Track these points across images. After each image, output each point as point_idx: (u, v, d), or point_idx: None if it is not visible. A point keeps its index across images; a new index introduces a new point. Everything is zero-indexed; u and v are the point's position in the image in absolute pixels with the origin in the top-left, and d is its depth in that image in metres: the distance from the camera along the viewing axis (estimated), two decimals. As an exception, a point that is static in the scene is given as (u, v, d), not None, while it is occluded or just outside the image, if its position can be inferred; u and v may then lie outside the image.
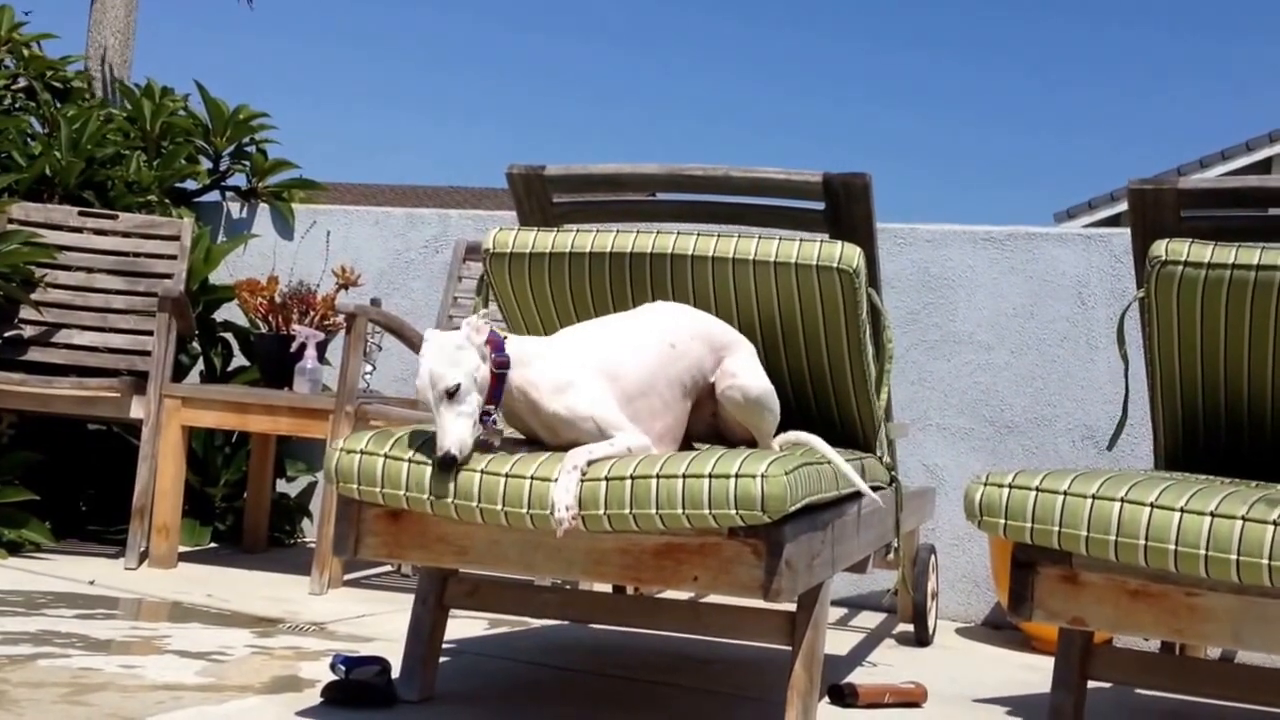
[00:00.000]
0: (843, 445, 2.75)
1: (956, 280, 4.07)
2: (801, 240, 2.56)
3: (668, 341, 2.42)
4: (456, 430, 2.18)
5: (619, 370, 2.35)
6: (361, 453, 2.28)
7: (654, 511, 2.12)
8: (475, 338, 2.22)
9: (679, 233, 2.64)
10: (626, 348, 2.38)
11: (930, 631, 3.51)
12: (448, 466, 2.18)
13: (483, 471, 2.20)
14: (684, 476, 2.12)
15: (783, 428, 2.62)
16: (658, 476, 2.13)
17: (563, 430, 2.30)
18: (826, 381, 2.69)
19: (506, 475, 2.19)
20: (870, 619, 3.84)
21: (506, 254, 2.70)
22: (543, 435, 2.34)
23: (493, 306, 2.86)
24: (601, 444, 2.25)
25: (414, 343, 4.08)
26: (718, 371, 2.48)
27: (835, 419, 2.76)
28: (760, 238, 2.59)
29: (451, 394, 2.17)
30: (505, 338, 2.29)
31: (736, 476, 2.10)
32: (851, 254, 2.53)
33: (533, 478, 2.18)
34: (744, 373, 2.47)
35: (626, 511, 2.13)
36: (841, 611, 3.94)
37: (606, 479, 2.15)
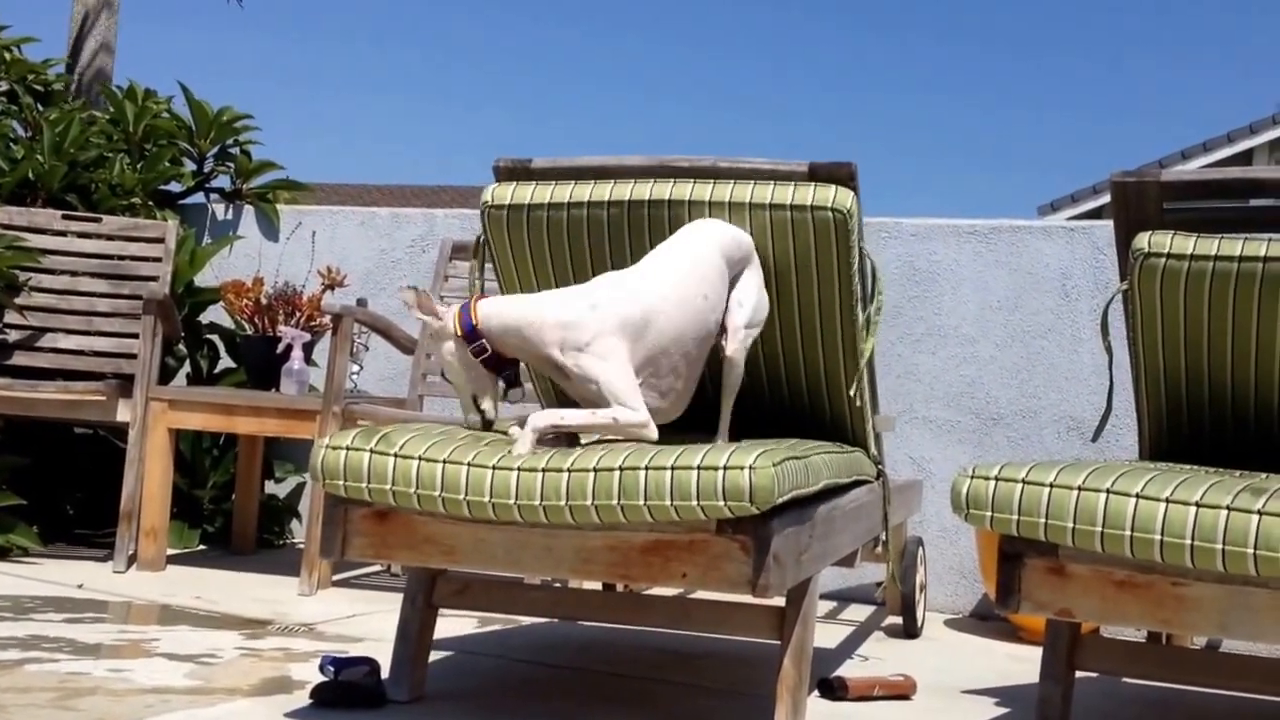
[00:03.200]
0: (830, 432, 2.74)
1: (941, 274, 4.08)
2: (796, 184, 2.57)
3: (701, 294, 2.42)
4: (467, 413, 2.41)
5: (646, 326, 2.35)
6: (347, 449, 2.28)
7: (642, 503, 2.13)
8: (449, 345, 2.35)
9: (675, 180, 2.64)
10: (659, 301, 2.37)
11: (919, 624, 3.52)
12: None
13: (470, 464, 2.21)
14: (672, 468, 2.13)
15: (768, 417, 2.62)
16: (646, 468, 2.13)
17: (571, 386, 2.35)
18: (816, 332, 2.64)
19: (493, 467, 2.20)
20: (859, 612, 3.85)
21: (505, 206, 2.69)
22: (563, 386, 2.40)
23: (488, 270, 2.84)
24: (582, 411, 2.30)
25: (401, 342, 4.08)
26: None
27: (822, 379, 2.71)
28: (755, 182, 2.60)
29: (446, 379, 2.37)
30: (476, 319, 2.33)
31: (725, 468, 2.11)
32: (844, 197, 2.54)
33: (520, 469, 2.18)
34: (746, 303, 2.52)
35: (614, 503, 2.14)
36: (830, 605, 3.95)
37: (595, 470, 2.15)
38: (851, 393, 2.71)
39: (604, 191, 2.65)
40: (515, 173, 2.86)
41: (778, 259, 2.61)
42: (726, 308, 2.50)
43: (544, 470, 2.17)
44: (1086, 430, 3.88)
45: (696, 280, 2.42)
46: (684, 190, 2.62)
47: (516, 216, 2.70)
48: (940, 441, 4.03)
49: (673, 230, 2.61)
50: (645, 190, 2.63)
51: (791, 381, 2.75)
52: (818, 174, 2.70)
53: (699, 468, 2.12)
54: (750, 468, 2.09)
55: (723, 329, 2.49)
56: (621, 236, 2.67)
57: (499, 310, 2.34)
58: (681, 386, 2.45)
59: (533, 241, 2.71)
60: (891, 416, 3.73)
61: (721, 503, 2.10)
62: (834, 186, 2.55)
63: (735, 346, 2.48)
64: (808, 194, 2.55)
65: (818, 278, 2.60)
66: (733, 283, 2.52)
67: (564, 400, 2.61)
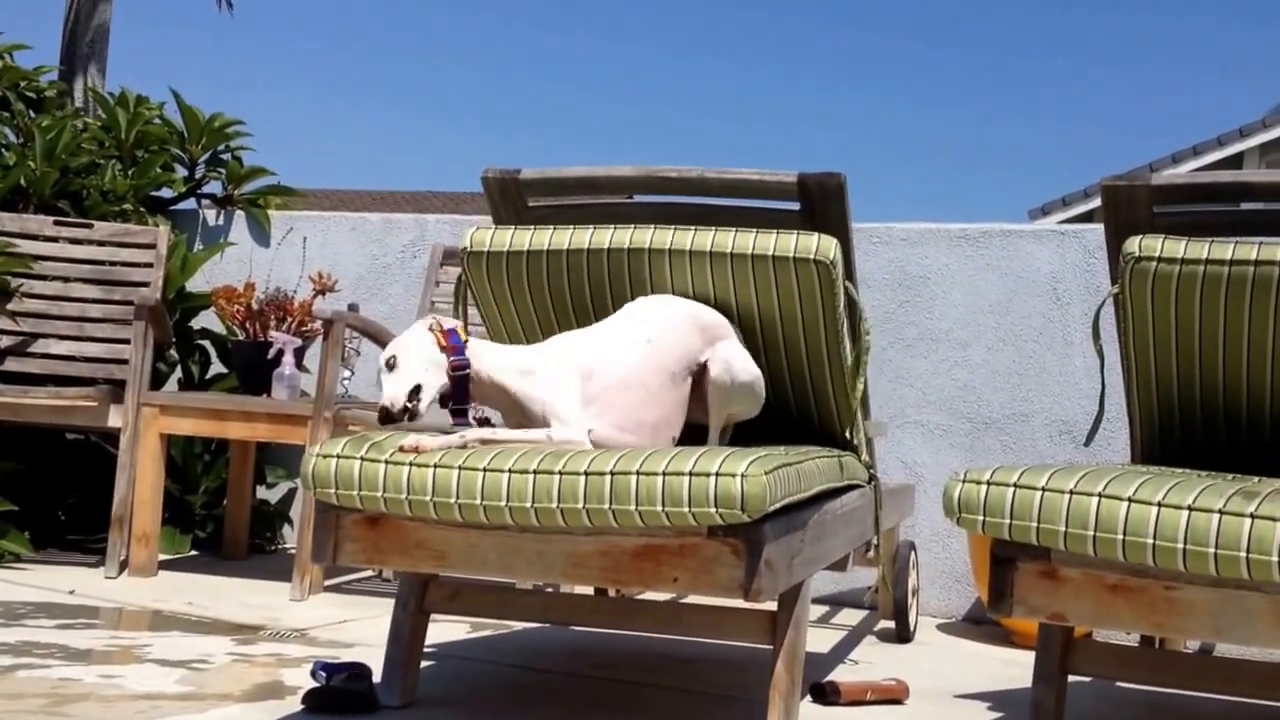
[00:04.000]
0: (822, 442, 2.75)
1: (933, 278, 4.08)
2: (779, 233, 2.57)
3: (644, 337, 2.49)
4: (388, 388, 2.31)
5: (594, 368, 2.42)
6: (338, 457, 2.28)
7: (633, 508, 2.13)
8: (421, 331, 2.38)
9: (655, 227, 2.65)
10: (604, 347, 2.46)
11: (911, 628, 3.52)
12: (383, 420, 2.30)
13: (460, 468, 2.20)
14: (664, 474, 2.12)
15: (759, 423, 2.63)
16: (638, 473, 2.13)
17: (522, 412, 2.40)
18: (805, 377, 2.70)
19: (485, 470, 2.20)
20: (851, 616, 3.85)
21: (484, 252, 2.71)
22: (522, 421, 2.43)
23: (472, 311, 2.86)
24: (515, 430, 2.36)
25: (392, 348, 4.07)
26: (709, 355, 2.55)
27: (814, 416, 2.77)
28: (737, 231, 2.60)
29: (390, 365, 2.33)
30: (466, 340, 2.40)
31: (717, 475, 2.11)
32: (828, 245, 2.54)
33: (510, 470, 2.18)
34: (734, 359, 2.56)
35: (606, 507, 2.13)
36: (823, 609, 3.95)
37: (586, 473, 2.15)
38: (849, 435, 2.74)
39: (583, 239, 2.66)
40: (504, 183, 2.87)
41: (762, 306, 2.61)
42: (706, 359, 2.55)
43: (535, 473, 2.17)
44: (1079, 434, 3.88)
45: (637, 325, 2.51)
46: (664, 238, 2.62)
47: (496, 261, 2.70)
48: (933, 446, 4.03)
49: (651, 276, 2.64)
50: (624, 238, 2.64)
51: (781, 403, 2.76)
52: (807, 184, 2.71)
53: (691, 474, 2.11)
54: (742, 475, 2.09)
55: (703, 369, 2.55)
56: (602, 283, 2.68)
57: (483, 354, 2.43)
58: (653, 419, 2.47)
59: (513, 286, 2.72)
60: (883, 422, 3.74)
61: (713, 510, 2.10)
62: (817, 235, 2.56)
63: (715, 370, 2.54)
64: (791, 243, 2.55)
65: (803, 322, 2.61)
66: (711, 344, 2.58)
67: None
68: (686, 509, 2.11)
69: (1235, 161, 14.54)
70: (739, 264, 2.57)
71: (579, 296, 2.71)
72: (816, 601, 4.02)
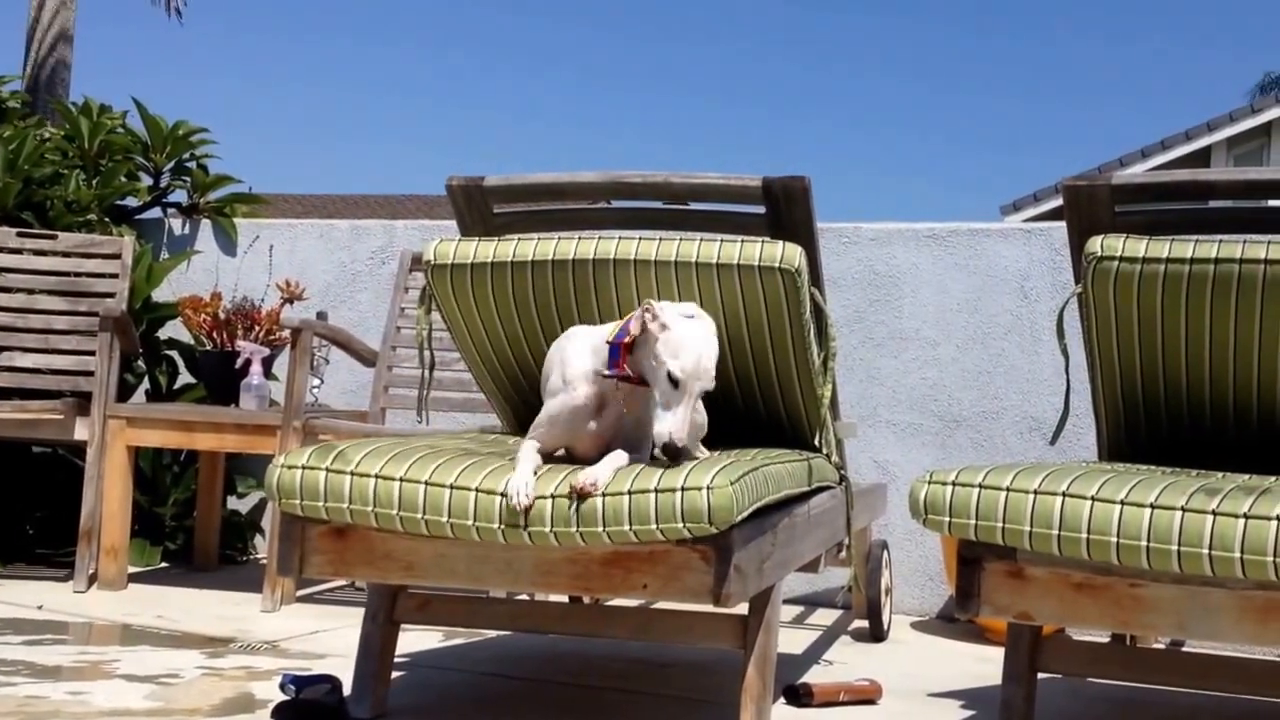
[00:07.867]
0: (791, 446, 2.76)
1: (901, 277, 4.09)
2: (743, 242, 2.57)
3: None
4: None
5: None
6: (303, 468, 2.27)
7: (601, 529, 2.12)
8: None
9: (620, 238, 2.64)
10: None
11: (885, 627, 3.53)
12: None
13: (427, 483, 2.20)
14: (629, 493, 2.12)
15: (730, 428, 2.62)
16: (603, 494, 2.13)
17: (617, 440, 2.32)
18: (773, 383, 2.70)
19: (451, 487, 2.19)
20: (825, 616, 3.86)
21: (448, 265, 2.69)
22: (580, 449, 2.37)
23: (435, 316, 2.85)
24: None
25: (362, 355, 4.06)
26: None
27: (783, 420, 2.77)
28: (702, 240, 2.60)
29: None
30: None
31: (683, 490, 2.10)
32: (793, 253, 2.54)
33: (478, 490, 2.18)
34: None
35: (573, 529, 2.13)
36: (797, 610, 3.95)
37: (553, 496, 2.14)
38: (817, 442, 2.74)
39: (546, 250, 2.64)
40: (468, 190, 2.86)
41: (729, 314, 2.60)
42: None
43: (502, 494, 2.16)
44: (1048, 430, 3.89)
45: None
46: (628, 249, 2.60)
47: (461, 274, 2.69)
48: (904, 444, 4.04)
49: (616, 287, 2.62)
50: (588, 249, 2.62)
51: (750, 408, 2.76)
52: (771, 188, 2.70)
53: (656, 490, 2.11)
54: (708, 488, 2.09)
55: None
56: (568, 294, 2.67)
57: None
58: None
59: (478, 298, 2.71)
60: (853, 423, 3.74)
61: (680, 525, 2.10)
62: (782, 244, 2.55)
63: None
64: (756, 252, 2.54)
65: (770, 328, 2.60)
66: None
67: None
68: (654, 526, 2.11)
69: (1203, 155, 14.64)
70: (704, 273, 2.57)
71: (545, 308, 2.70)
72: (790, 602, 4.02)
